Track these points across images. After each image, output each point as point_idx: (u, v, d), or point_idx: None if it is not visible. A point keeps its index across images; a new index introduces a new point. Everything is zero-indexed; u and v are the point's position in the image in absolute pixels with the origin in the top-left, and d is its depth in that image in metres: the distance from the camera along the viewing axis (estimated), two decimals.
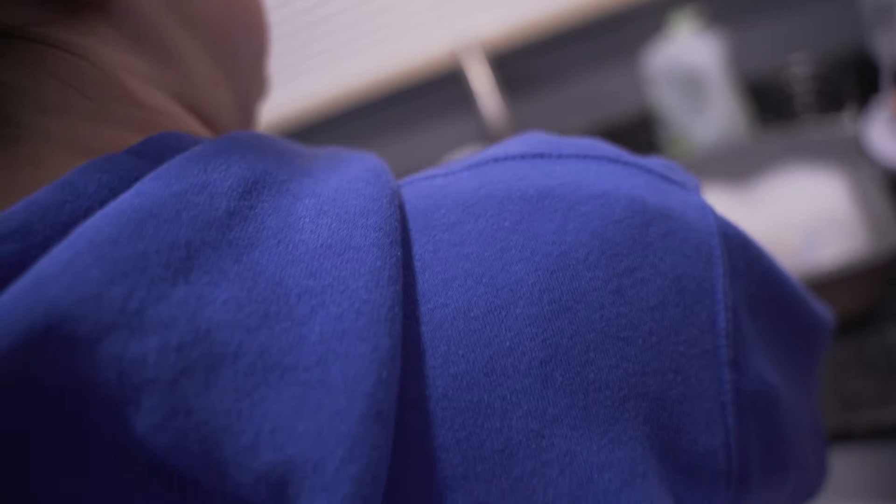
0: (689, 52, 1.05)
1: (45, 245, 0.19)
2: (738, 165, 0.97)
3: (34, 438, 0.18)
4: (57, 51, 0.23)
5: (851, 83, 1.11)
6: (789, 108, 1.16)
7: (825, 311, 0.32)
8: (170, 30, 0.27)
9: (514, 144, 0.27)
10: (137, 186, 0.20)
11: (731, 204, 0.95)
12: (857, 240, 0.81)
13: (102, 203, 0.20)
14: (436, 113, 1.33)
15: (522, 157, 0.26)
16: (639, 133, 1.24)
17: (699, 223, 0.25)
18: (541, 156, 0.26)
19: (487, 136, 1.14)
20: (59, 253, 0.18)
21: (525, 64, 1.27)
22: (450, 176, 0.26)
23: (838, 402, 0.67)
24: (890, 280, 0.74)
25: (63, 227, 0.19)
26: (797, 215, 0.87)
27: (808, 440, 0.31)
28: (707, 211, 0.26)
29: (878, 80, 1.07)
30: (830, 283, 0.71)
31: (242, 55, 0.31)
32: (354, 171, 0.24)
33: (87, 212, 0.20)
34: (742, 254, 0.26)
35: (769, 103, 1.17)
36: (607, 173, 0.25)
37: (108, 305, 0.18)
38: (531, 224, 0.23)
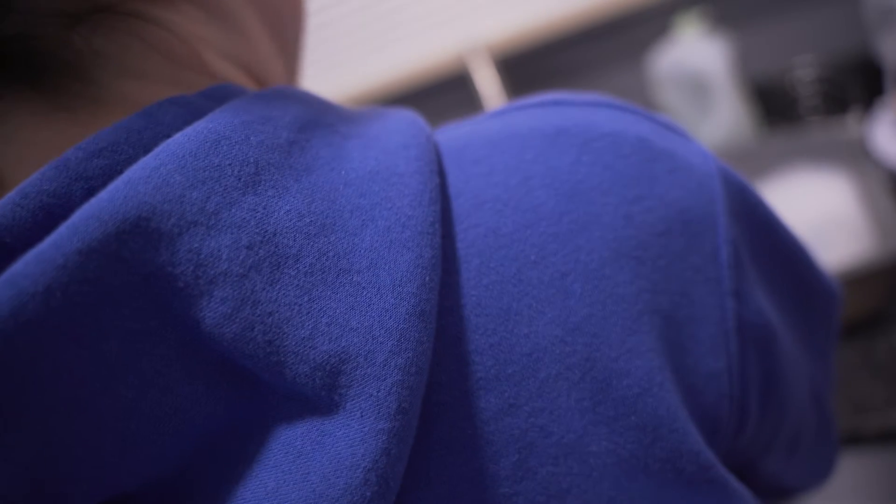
0: (694, 55, 1.05)
1: (130, 161, 0.21)
2: (743, 167, 0.98)
3: (118, 321, 0.19)
4: (144, 22, 0.25)
5: (856, 86, 1.12)
6: (794, 110, 1.16)
7: (831, 280, 0.33)
8: (237, 5, 0.29)
9: (532, 97, 0.30)
10: (211, 115, 0.22)
11: None
12: (863, 242, 0.82)
13: (178, 129, 0.22)
14: (443, 115, 1.34)
15: (541, 104, 0.28)
16: None
17: (701, 165, 0.27)
18: (557, 103, 0.28)
19: None
20: (146, 161, 0.20)
21: (531, 66, 1.27)
22: (476, 124, 0.28)
23: (847, 406, 0.68)
24: None
25: (145, 147, 0.22)
26: (803, 217, 0.88)
27: (807, 399, 0.32)
28: (708, 156, 0.28)
29: (882, 83, 1.07)
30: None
31: (290, 34, 0.33)
32: (393, 118, 0.27)
33: (166, 136, 0.22)
34: (741, 198, 0.28)
35: (774, 106, 1.17)
36: (617, 117, 0.27)
37: (189, 205, 0.20)
38: (550, 156, 0.26)
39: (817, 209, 0.87)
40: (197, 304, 0.20)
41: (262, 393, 0.21)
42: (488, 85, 1.15)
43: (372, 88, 1.27)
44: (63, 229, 0.19)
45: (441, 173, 0.25)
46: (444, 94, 1.31)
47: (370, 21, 1.24)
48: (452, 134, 0.28)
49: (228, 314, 0.20)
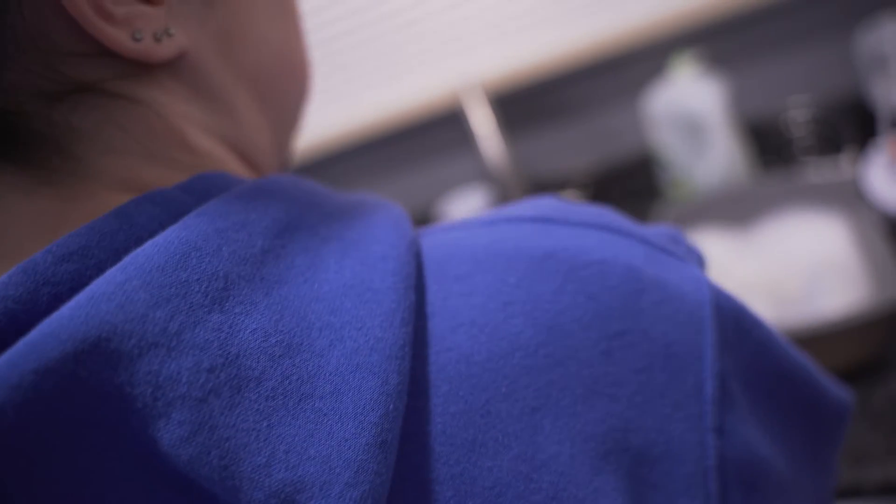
0: (689, 96, 1.06)
1: (100, 267, 0.21)
2: (738, 208, 0.97)
3: (72, 439, 0.19)
4: (125, 101, 0.26)
5: (849, 127, 1.12)
6: (789, 151, 1.16)
7: (842, 392, 0.32)
8: (226, 82, 0.29)
9: (525, 207, 0.29)
10: (185, 220, 0.22)
11: (731, 247, 0.95)
12: (859, 287, 0.81)
13: (152, 233, 0.22)
14: (437, 152, 1.34)
15: (532, 219, 0.28)
16: (639, 175, 1.24)
17: (692, 294, 0.27)
18: (549, 220, 0.28)
19: (488, 175, 1.14)
20: (113, 275, 0.20)
21: (526, 104, 1.28)
22: (465, 230, 0.28)
23: (846, 457, 0.66)
24: (895, 330, 0.73)
25: (116, 253, 0.21)
26: (798, 260, 0.87)
27: None
28: (702, 283, 0.27)
29: (875, 125, 1.08)
30: (834, 334, 0.70)
31: (287, 100, 0.33)
32: (378, 218, 0.26)
33: (138, 240, 0.22)
34: (735, 325, 0.27)
35: (769, 146, 1.17)
36: (608, 242, 0.27)
37: (152, 325, 0.20)
38: (533, 282, 0.25)
39: (812, 252, 0.87)
40: (154, 425, 0.19)
41: None
42: (483, 122, 1.15)
43: (366, 124, 1.27)
44: (21, 346, 0.18)
45: (421, 287, 0.25)
46: (439, 130, 1.31)
47: (365, 58, 1.25)
48: (439, 239, 0.27)
49: (185, 437, 0.20)
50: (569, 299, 0.25)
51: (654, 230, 0.29)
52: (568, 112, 1.28)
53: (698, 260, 0.29)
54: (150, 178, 0.26)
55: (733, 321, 0.27)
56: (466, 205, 1.23)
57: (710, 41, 1.19)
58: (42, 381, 0.18)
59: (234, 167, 0.30)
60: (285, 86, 0.32)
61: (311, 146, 1.28)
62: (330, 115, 1.30)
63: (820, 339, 0.70)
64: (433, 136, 1.32)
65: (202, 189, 0.24)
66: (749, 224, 0.97)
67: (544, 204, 0.29)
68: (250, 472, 0.20)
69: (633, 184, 1.23)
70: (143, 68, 0.26)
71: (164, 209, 0.23)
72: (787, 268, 0.87)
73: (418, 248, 0.26)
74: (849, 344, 0.73)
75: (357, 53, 1.25)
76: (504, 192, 1.16)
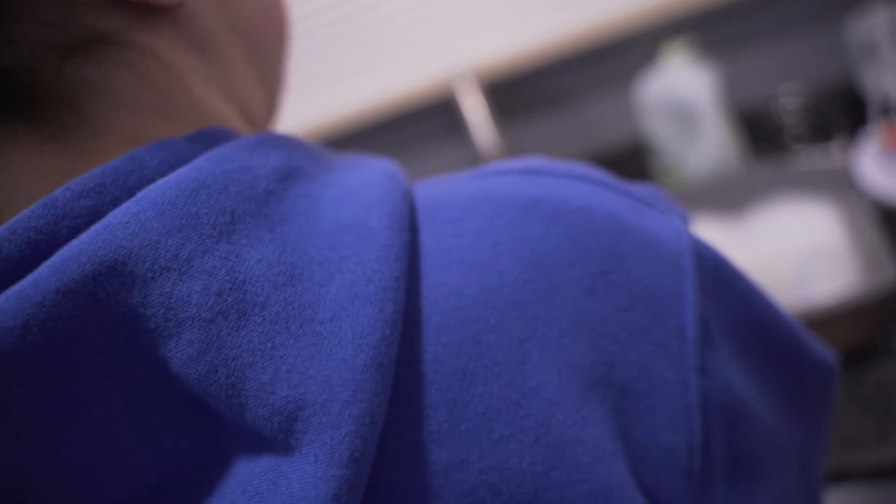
0: (681, 83, 1.06)
1: (115, 203, 0.22)
2: (729, 196, 0.98)
3: (90, 356, 0.20)
4: (134, 52, 0.26)
5: (840, 115, 1.13)
6: (780, 138, 1.17)
7: (825, 352, 0.32)
8: (220, 33, 0.30)
9: (514, 162, 0.30)
10: (193, 162, 0.23)
11: (723, 235, 0.95)
12: (850, 273, 0.82)
13: (163, 174, 0.23)
14: (429, 140, 1.33)
15: (519, 171, 0.29)
16: (631, 162, 1.24)
17: (672, 242, 0.28)
18: (535, 172, 0.29)
19: (480, 163, 1.14)
20: (127, 207, 0.21)
21: (518, 92, 1.27)
22: (454, 183, 0.29)
23: (836, 442, 0.67)
24: (885, 316, 0.74)
25: (129, 191, 0.23)
26: (789, 247, 0.88)
27: (796, 473, 0.31)
28: (681, 233, 0.28)
29: (865, 113, 1.08)
30: (825, 319, 0.71)
31: (273, 55, 0.34)
32: (373, 169, 0.27)
33: (150, 181, 0.23)
34: (716, 275, 0.28)
35: (760, 134, 1.18)
36: (592, 192, 0.28)
37: (164, 251, 0.21)
38: (521, 226, 0.26)
39: (803, 239, 0.87)
40: (165, 345, 0.21)
41: (225, 428, 0.22)
42: (475, 110, 1.14)
43: (358, 112, 1.27)
44: (43, 269, 0.20)
45: (413, 230, 0.26)
46: (431, 118, 1.31)
47: (357, 45, 1.24)
48: (430, 191, 0.29)
49: (194, 356, 0.21)
50: (554, 241, 0.26)
51: (637, 186, 0.30)
52: (560, 100, 1.28)
53: (681, 216, 0.30)
54: (158, 135, 0.27)
55: (713, 270, 0.28)
56: None
57: (701, 29, 1.19)
58: (64, 299, 0.19)
59: (235, 122, 0.31)
60: (272, 40, 0.33)
61: (302, 135, 1.28)
62: (321, 104, 1.29)
63: (811, 325, 0.71)
64: (425, 124, 1.32)
65: (208, 139, 0.26)
66: (741, 211, 0.98)
67: (530, 159, 0.30)
68: (255, 390, 0.21)
69: (624, 171, 1.23)
70: (147, 18, 0.27)
71: (173, 154, 0.24)
72: (778, 254, 0.87)
73: (412, 196, 0.28)
74: (840, 329, 0.74)
75: (348, 41, 1.24)
76: None
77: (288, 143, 0.27)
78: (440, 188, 0.29)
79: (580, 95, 1.27)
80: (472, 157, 1.32)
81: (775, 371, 0.30)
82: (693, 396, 0.26)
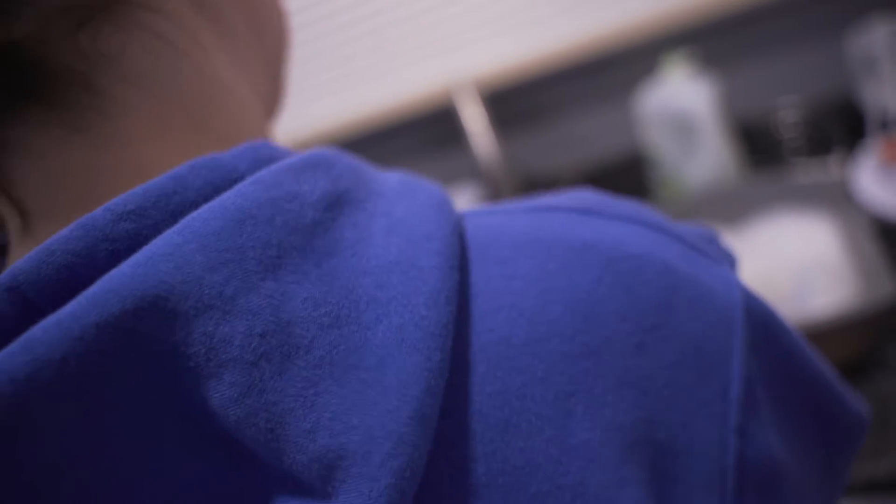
0: (680, 95, 1.06)
1: (156, 228, 0.21)
2: (727, 208, 0.98)
3: (127, 393, 0.20)
4: (151, 14, 0.26)
5: (839, 128, 1.13)
6: (779, 151, 1.17)
7: (860, 405, 0.32)
8: (233, 14, 0.29)
9: (567, 198, 0.30)
10: (239, 187, 0.22)
11: None
12: (847, 286, 0.81)
13: (206, 198, 0.23)
14: (428, 149, 1.33)
15: (572, 210, 0.28)
16: (630, 174, 1.24)
17: (724, 295, 0.27)
18: (588, 212, 0.28)
19: (480, 173, 1.14)
20: (170, 237, 0.21)
21: (518, 102, 1.28)
22: (507, 215, 0.28)
23: None
24: (882, 329, 0.74)
25: (172, 215, 0.22)
26: (787, 259, 0.88)
27: None
28: (733, 285, 0.27)
29: (864, 127, 1.08)
30: (823, 333, 0.71)
31: (273, 39, 0.33)
32: (423, 197, 0.26)
33: (193, 204, 0.22)
34: (764, 331, 0.27)
35: (758, 147, 1.18)
36: (645, 237, 0.27)
37: (208, 288, 0.20)
38: (572, 271, 0.26)
39: (801, 252, 0.87)
40: (206, 385, 0.20)
41: (262, 470, 0.21)
42: (475, 119, 1.15)
43: (357, 120, 1.27)
44: (83, 300, 0.19)
45: (464, 268, 0.26)
46: (430, 128, 1.31)
47: (357, 53, 1.24)
48: (482, 222, 0.28)
49: (235, 398, 0.20)
50: (606, 290, 0.25)
51: (690, 229, 0.29)
52: (559, 110, 1.28)
53: (731, 262, 0.29)
54: (181, 117, 0.26)
55: (762, 325, 0.27)
56: (458, 202, 1.23)
57: (701, 41, 1.19)
58: (103, 334, 0.19)
59: (250, 102, 0.30)
60: (272, 23, 0.33)
61: (302, 143, 1.28)
62: (321, 111, 1.29)
63: (809, 338, 0.71)
64: (425, 133, 1.32)
65: (254, 156, 0.25)
66: (739, 224, 0.98)
67: (584, 196, 0.30)
68: (295, 436, 0.20)
69: (623, 183, 1.23)
70: None
71: (217, 175, 0.23)
72: (776, 267, 0.87)
73: (462, 229, 0.27)
74: (837, 343, 0.73)
75: (348, 49, 1.24)
76: (495, 189, 1.16)
77: (334, 163, 0.26)
78: (491, 220, 0.28)
79: (580, 106, 1.27)
80: (471, 168, 1.32)
81: (809, 425, 0.30)
82: (730, 458, 0.26)
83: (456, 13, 1.21)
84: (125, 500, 0.20)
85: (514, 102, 1.27)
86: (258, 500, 0.21)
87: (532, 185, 1.30)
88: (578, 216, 0.28)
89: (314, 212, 0.23)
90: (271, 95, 0.34)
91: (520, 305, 0.25)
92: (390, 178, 0.28)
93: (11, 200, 0.26)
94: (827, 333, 0.71)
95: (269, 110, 0.34)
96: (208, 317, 0.20)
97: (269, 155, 0.25)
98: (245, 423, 0.20)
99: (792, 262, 0.86)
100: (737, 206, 0.97)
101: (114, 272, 0.20)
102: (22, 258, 0.20)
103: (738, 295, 0.27)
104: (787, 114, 1.19)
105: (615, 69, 1.23)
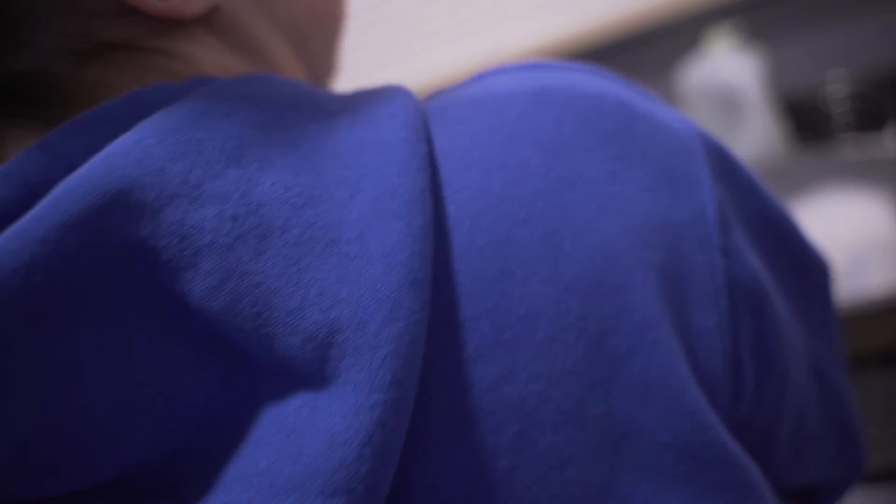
0: (725, 70, 1.04)
1: (110, 138, 0.21)
2: (774, 185, 0.95)
3: (102, 297, 0.19)
4: (162, 56, 0.26)
5: (891, 102, 1.10)
6: (827, 127, 1.14)
7: (820, 251, 0.32)
8: (262, 32, 0.29)
9: (508, 64, 0.30)
10: (194, 94, 0.22)
11: None
12: None
13: (158, 110, 0.22)
14: None
15: (519, 68, 0.29)
16: None
17: (681, 128, 0.28)
18: (535, 67, 0.29)
19: None
20: (127, 137, 0.20)
21: None
22: (456, 88, 0.29)
23: (891, 439, 0.66)
24: None
25: (126, 125, 0.21)
26: (839, 238, 0.86)
27: (806, 373, 0.30)
28: (687, 121, 0.28)
29: None
30: (877, 313, 0.69)
31: (323, 46, 0.33)
32: (381, 90, 0.27)
33: (146, 115, 0.22)
34: (722, 161, 0.28)
35: (807, 122, 1.15)
36: (596, 81, 0.28)
37: (171, 178, 0.20)
38: (534, 115, 0.26)
39: (853, 230, 0.85)
40: (183, 278, 0.20)
41: (251, 371, 0.21)
42: None
43: None
44: (43, 203, 0.19)
45: (428, 140, 0.25)
46: None
47: (400, 29, 1.24)
48: (436, 97, 0.28)
49: (215, 286, 0.20)
50: (569, 127, 0.25)
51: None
52: None
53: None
54: None
55: (719, 157, 0.28)
56: None
57: (747, 14, 1.16)
58: (68, 234, 0.18)
59: None
60: (322, 29, 0.33)
61: None
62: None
63: (862, 318, 0.69)
64: None
65: (202, 81, 0.25)
66: (787, 202, 0.96)
67: (527, 59, 0.30)
68: (284, 316, 0.20)
69: None
70: (176, 24, 0.26)
71: (169, 94, 0.23)
72: (828, 246, 0.85)
73: (421, 105, 0.27)
74: (890, 324, 0.72)
75: (386, 27, 1.24)
76: None
77: (289, 80, 0.26)
78: (444, 94, 0.28)
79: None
80: None
81: (782, 262, 0.30)
82: (720, 277, 0.26)
83: None
84: (121, 414, 0.19)
85: None
86: (253, 401, 0.21)
87: None
88: (528, 71, 0.28)
89: (273, 109, 0.23)
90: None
91: (489, 156, 0.24)
92: (347, 91, 0.28)
93: None
94: (881, 313, 0.69)
95: None
96: (175, 205, 0.20)
97: (221, 80, 0.26)
98: (230, 310, 0.20)
99: (844, 240, 0.84)
100: (784, 183, 0.95)
101: (73, 175, 0.19)
102: None
103: (693, 129, 0.28)
104: (837, 88, 1.15)
105: (658, 44, 1.21)
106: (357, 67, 1.27)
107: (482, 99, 0.26)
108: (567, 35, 1.19)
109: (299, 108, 0.24)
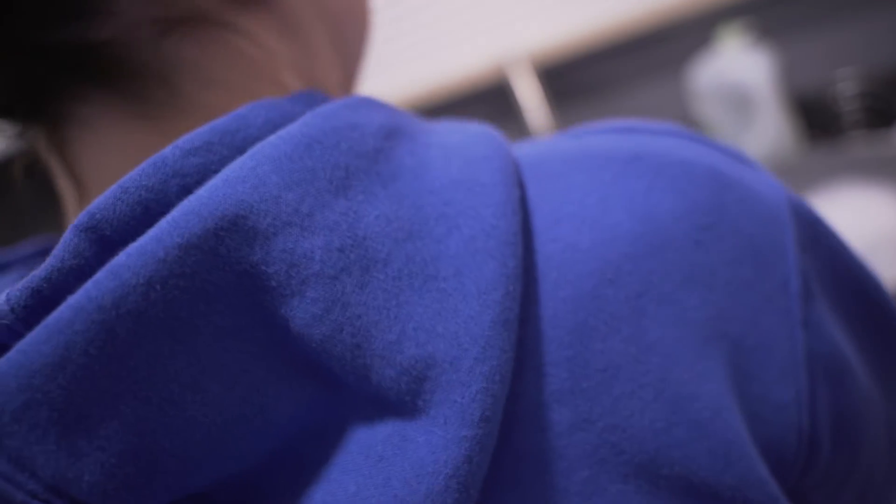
0: (737, 68, 1.05)
1: (223, 161, 0.22)
2: (786, 182, 0.97)
3: (211, 316, 0.20)
4: (231, 32, 0.27)
5: None
6: (837, 124, 1.15)
7: None
8: (308, 19, 0.30)
9: (604, 123, 0.30)
10: (302, 119, 0.23)
11: None
12: None
13: (268, 134, 0.23)
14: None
15: (615, 130, 0.29)
16: None
17: (771, 195, 0.27)
18: (630, 130, 0.29)
19: None
20: (242, 162, 0.21)
21: (572, 77, 1.27)
22: (550, 143, 0.29)
23: None
24: None
25: (238, 149, 0.22)
26: (849, 235, 0.87)
27: (884, 441, 0.31)
28: (777, 187, 0.28)
29: None
30: None
31: (354, 42, 0.34)
32: (473, 130, 0.27)
33: (256, 139, 0.23)
34: (812, 229, 0.28)
35: (817, 119, 1.16)
36: (689, 147, 0.28)
37: (285, 206, 0.20)
38: (626, 179, 0.26)
39: (863, 227, 0.87)
40: (288, 304, 0.20)
41: (343, 396, 0.21)
42: (529, 95, 1.15)
43: (411, 96, 1.28)
44: (164, 224, 0.19)
45: (520, 186, 0.26)
46: (484, 103, 1.31)
47: (412, 29, 1.25)
48: (528, 150, 0.28)
49: (319, 315, 0.20)
50: (659, 194, 0.26)
51: (726, 144, 0.30)
52: (614, 84, 1.28)
53: (766, 171, 0.30)
54: None
55: (809, 225, 0.28)
56: None
57: (758, 12, 1.17)
58: (186, 255, 0.19)
59: None
60: (354, 28, 0.34)
61: None
62: (372, 90, 1.30)
63: None
64: (478, 109, 1.33)
65: (308, 99, 0.26)
66: None
67: (622, 121, 0.31)
68: (381, 349, 0.20)
69: None
70: (245, 1, 0.27)
71: (277, 113, 0.24)
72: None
73: (513, 156, 0.28)
74: None
75: (399, 25, 1.25)
76: None
77: (385, 105, 0.27)
78: (537, 147, 0.29)
79: (635, 79, 1.27)
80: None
81: (866, 331, 0.30)
82: (799, 351, 0.26)
83: None
84: (217, 429, 0.20)
85: (568, 77, 1.27)
86: (343, 425, 0.21)
87: None
88: (621, 134, 0.29)
89: (374, 140, 0.24)
90: (343, 89, 0.35)
91: (580, 214, 0.25)
92: (437, 123, 0.29)
93: (72, 173, 0.27)
94: None
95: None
96: (287, 233, 0.20)
97: (323, 98, 0.26)
98: (330, 340, 0.20)
99: (854, 237, 0.86)
100: (795, 180, 0.97)
101: (192, 197, 0.20)
102: (96, 199, 0.20)
103: (783, 195, 0.28)
104: (847, 85, 1.16)
105: (670, 42, 1.22)
106: (378, 65, 1.28)
107: (578, 158, 0.27)
108: (579, 34, 1.20)
109: (396, 139, 0.25)
